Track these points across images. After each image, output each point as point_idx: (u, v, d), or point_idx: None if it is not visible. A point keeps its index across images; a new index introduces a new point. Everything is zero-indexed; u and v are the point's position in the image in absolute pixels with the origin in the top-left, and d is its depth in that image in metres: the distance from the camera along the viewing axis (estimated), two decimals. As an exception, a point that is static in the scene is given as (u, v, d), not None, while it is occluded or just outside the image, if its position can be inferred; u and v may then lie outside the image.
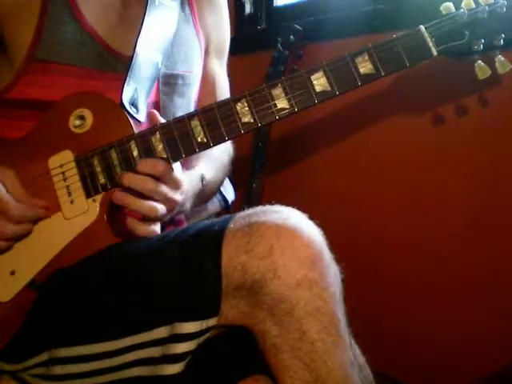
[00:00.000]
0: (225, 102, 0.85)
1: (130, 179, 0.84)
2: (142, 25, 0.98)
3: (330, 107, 1.52)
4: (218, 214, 1.39)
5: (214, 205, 1.41)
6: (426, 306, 1.39)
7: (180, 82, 1.03)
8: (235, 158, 1.21)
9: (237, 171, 1.35)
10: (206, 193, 1.04)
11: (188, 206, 0.95)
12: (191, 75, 1.06)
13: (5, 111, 0.94)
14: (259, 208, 0.80)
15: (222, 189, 1.40)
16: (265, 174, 1.55)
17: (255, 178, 1.55)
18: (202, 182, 1.01)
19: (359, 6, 1.50)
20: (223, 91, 1.15)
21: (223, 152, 1.14)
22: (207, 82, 1.12)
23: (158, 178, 0.85)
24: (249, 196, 1.56)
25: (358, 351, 0.84)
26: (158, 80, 1.00)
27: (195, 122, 0.84)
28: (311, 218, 0.79)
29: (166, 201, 0.86)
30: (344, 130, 1.54)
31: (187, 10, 1.08)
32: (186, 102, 1.06)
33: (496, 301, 1.27)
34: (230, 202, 1.44)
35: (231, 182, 1.47)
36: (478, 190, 1.30)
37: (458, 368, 1.34)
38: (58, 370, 0.81)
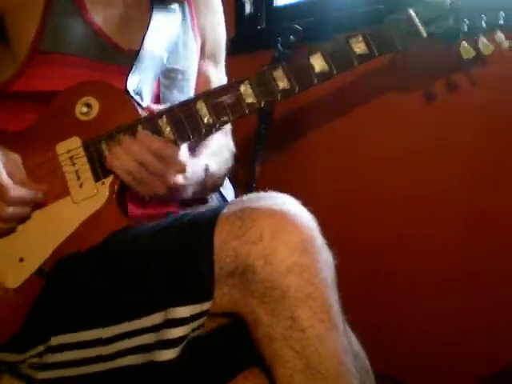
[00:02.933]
0: (228, 85, 0.91)
1: (128, 143, 0.88)
2: (149, 22, 1.05)
3: (328, 98, 1.55)
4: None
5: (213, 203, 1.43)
6: (425, 305, 1.42)
7: (180, 76, 1.10)
8: (235, 153, 1.25)
9: (237, 171, 1.38)
10: (208, 184, 1.08)
11: (189, 192, 0.99)
12: (190, 71, 1.13)
13: (9, 104, 0.99)
14: (253, 194, 0.84)
15: (221, 188, 1.43)
16: (264, 175, 1.59)
17: (255, 178, 1.59)
18: (206, 171, 1.05)
19: (359, 6, 1.55)
20: None
21: (224, 147, 1.19)
22: (202, 80, 1.18)
23: (162, 158, 0.88)
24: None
25: (353, 339, 0.86)
26: (159, 73, 1.06)
27: (200, 104, 0.90)
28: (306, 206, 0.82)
29: (164, 178, 0.89)
30: (342, 123, 1.58)
31: (186, 11, 1.16)
32: (185, 97, 1.10)
33: (496, 300, 1.31)
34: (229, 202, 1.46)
35: (231, 181, 1.50)
36: (476, 187, 1.34)
37: (458, 368, 1.36)
38: (54, 358, 0.85)
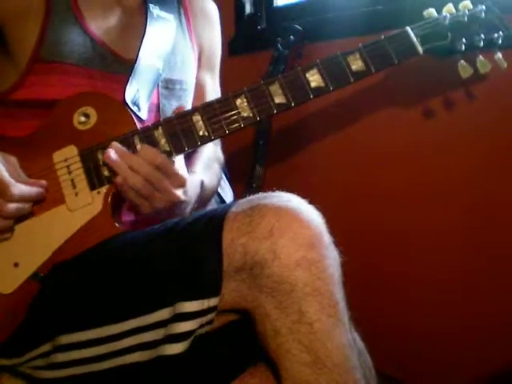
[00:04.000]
0: (224, 98, 0.91)
1: (130, 159, 0.88)
2: (144, 31, 1.06)
3: (328, 104, 1.56)
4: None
5: (212, 206, 1.44)
6: (426, 304, 1.43)
7: (178, 87, 1.11)
8: (235, 157, 1.26)
9: (237, 171, 1.39)
10: (203, 198, 1.08)
11: (188, 210, 0.99)
12: (188, 82, 1.14)
13: (10, 111, 0.99)
14: (261, 194, 0.84)
15: (220, 190, 1.44)
16: (264, 174, 1.59)
17: (255, 177, 1.59)
18: (202, 187, 1.06)
19: (359, 6, 1.55)
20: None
21: (215, 161, 1.20)
22: (198, 92, 1.19)
23: (162, 172, 0.89)
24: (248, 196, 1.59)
25: (357, 336, 0.87)
26: (158, 84, 1.07)
27: (197, 117, 0.91)
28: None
29: (167, 193, 0.90)
30: (342, 127, 1.59)
31: (183, 21, 1.17)
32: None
33: (497, 299, 1.31)
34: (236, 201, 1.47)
35: (229, 183, 1.51)
36: (476, 182, 1.35)
37: (459, 367, 1.37)
38: (61, 357, 0.85)
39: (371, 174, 1.54)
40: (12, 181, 0.87)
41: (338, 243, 0.82)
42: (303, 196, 0.84)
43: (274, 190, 0.85)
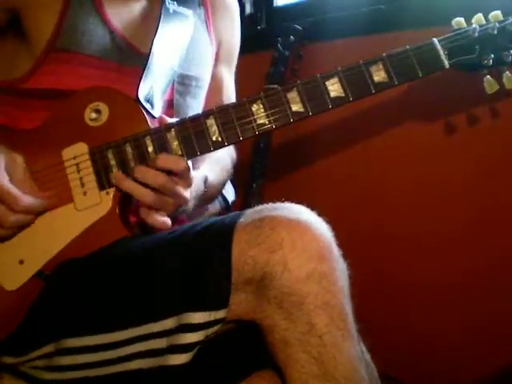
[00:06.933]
0: (240, 103, 0.89)
1: (142, 172, 0.87)
2: (157, 26, 1.03)
3: (334, 114, 1.56)
4: (218, 215, 1.40)
5: (214, 205, 1.43)
6: (426, 305, 1.44)
7: (194, 83, 1.09)
8: (236, 157, 1.26)
9: (237, 171, 1.39)
10: (207, 195, 1.06)
11: (190, 205, 0.98)
12: (203, 79, 1.12)
13: (22, 101, 0.98)
14: (270, 204, 0.83)
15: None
16: (265, 174, 1.59)
17: (255, 178, 1.58)
18: (205, 183, 1.04)
19: (359, 6, 1.55)
20: (230, 96, 1.20)
21: (226, 156, 1.18)
22: (215, 86, 1.17)
23: (173, 174, 0.87)
24: (249, 196, 1.59)
25: (364, 348, 0.86)
26: (174, 80, 1.05)
27: (211, 121, 0.88)
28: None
29: (176, 197, 0.89)
30: (346, 132, 1.59)
31: (203, 16, 1.14)
32: (198, 104, 1.11)
33: (497, 301, 1.32)
34: (230, 203, 1.46)
35: (231, 182, 1.51)
36: (480, 188, 1.36)
37: (458, 368, 1.38)
38: (63, 360, 0.84)
39: (374, 185, 1.54)
40: (19, 193, 0.86)
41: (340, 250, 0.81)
42: (305, 205, 0.84)
43: (282, 201, 0.84)
